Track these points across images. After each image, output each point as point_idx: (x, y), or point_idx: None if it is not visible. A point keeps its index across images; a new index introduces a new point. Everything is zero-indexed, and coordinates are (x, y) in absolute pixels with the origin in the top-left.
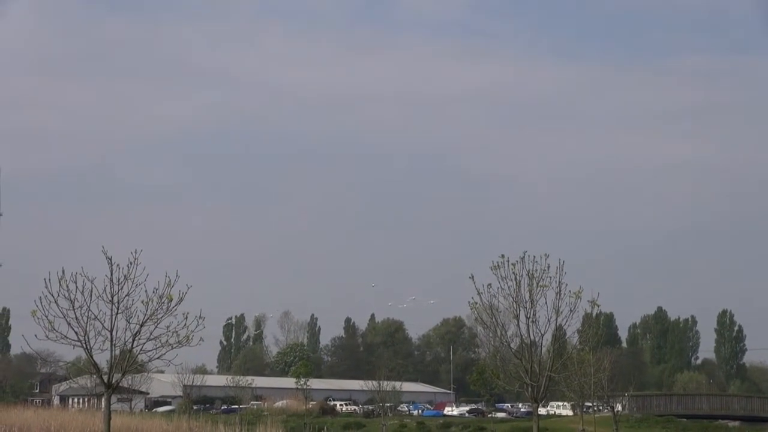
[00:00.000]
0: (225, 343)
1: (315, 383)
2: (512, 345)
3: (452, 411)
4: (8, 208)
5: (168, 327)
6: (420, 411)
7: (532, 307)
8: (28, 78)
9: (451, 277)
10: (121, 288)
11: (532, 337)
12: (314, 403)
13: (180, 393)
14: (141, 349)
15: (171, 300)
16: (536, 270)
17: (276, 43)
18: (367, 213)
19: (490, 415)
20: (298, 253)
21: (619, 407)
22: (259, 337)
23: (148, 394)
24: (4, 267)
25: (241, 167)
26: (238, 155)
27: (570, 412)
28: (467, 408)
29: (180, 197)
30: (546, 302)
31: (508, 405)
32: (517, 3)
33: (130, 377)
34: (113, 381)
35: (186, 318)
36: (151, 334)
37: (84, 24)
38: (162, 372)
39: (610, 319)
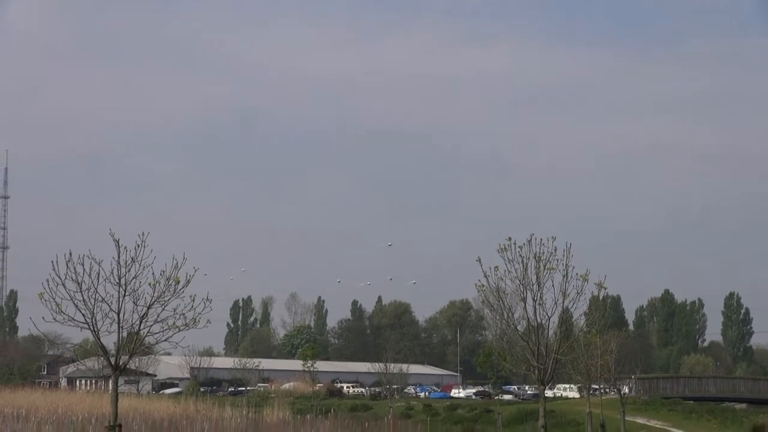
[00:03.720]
0: (232, 325)
1: (322, 365)
2: (519, 327)
3: (459, 393)
4: (16, 192)
5: (175, 309)
6: (427, 393)
7: (539, 289)
8: (36, 65)
9: (459, 259)
10: (129, 270)
11: (539, 320)
12: (321, 385)
13: (187, 375)
14: (148, 332)
15: (178, 282)
16: (543, 253)
17: (285, 30)
18: (376, 197)
19: (497, 398)
20: (307, 236)
21: (625, 390)
22: (266, 319)
23: (155, 376)
24: (11, 249)
25: (251, 153)
26: (247, 142)
27: (576, 395)
28: (474, 390)
29: (189, 183)
30: (553, 285)
31: (515, 387)
32: None
33: (137, 359)
34: (120, 363)
35: (193, 300)
36: (158, 316)
37: (93, 11)
38: (169, 354)
39: (617, 301)
